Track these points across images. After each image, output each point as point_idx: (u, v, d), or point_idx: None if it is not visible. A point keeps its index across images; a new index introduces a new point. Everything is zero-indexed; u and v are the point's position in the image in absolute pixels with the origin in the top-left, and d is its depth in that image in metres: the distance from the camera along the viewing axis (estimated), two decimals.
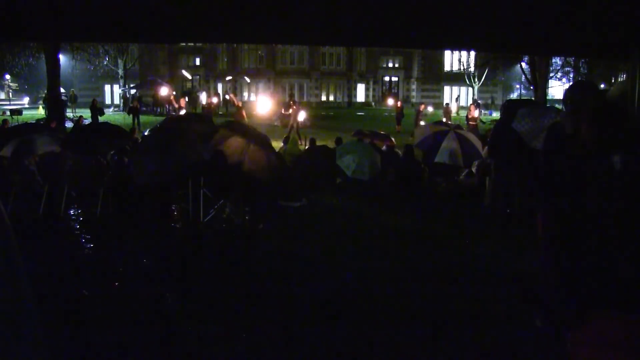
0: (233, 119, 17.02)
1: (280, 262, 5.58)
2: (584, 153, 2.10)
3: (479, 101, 28.88)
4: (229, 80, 42.60)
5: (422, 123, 20.29)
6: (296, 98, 27.39)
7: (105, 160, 8.41)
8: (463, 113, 26.70)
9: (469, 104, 29.29)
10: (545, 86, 24.10)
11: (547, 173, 3.56)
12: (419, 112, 23.06)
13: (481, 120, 21.92)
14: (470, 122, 18.21)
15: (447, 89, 46.69)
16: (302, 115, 17.45)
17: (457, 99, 39.70)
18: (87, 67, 35.91)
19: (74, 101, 31.62)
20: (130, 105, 25.44)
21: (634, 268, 1.89)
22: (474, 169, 9.27)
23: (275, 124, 20.70)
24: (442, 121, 13.66)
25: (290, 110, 18.16)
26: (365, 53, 45.61)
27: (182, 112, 29.75)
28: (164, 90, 30.84)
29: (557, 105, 7.63)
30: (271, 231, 6.81)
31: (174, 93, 36.38)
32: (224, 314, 4.18)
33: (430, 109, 26.75)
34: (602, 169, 2.00)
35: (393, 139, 11.76)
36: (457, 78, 43.84)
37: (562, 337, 2.15)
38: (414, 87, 47.32)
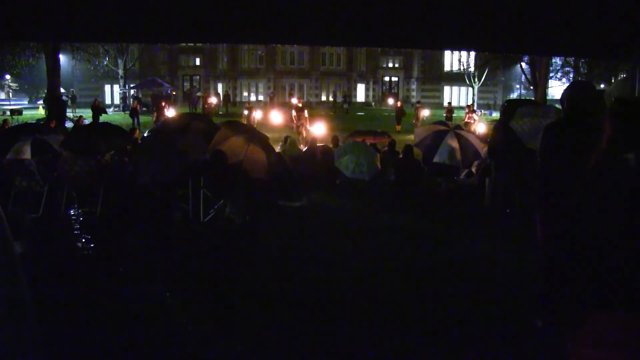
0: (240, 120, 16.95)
1: (280, 262, 5.58)
2: (598, 151, 2.08)
3: (475, 108, 28.86)
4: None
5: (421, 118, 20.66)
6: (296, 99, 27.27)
7: (105, 160, 8.41)
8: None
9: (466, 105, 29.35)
10: (545, 86, 24.13)
11: (545, 173, 3.56)
12: (418, 109, 23.64)
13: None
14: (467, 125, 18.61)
15: (447, 89, 46.69)
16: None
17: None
18: (87, 67, 35.91)
19: (73, 101, 31.63)
20: (131, 107, 25.47)
21: (635, 267, 1.89)
22: (474, 169, 9.27)
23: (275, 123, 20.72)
24: (442, 121, 13.69)
25: (300, 114, 17.92)
26: (365, 53, 45.61)
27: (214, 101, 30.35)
28: (214, 99, 31.42)
29: (557, 105, 7.64)
30: (271, 231, 6.81)
31: (199, 93, 36.52)
32: (224, 314, 4.18)
33: (427, 112, 26.67)
34: (615, 166, 1.98)
35: (391, 136, 11.77)
36: (457, 78, 43.84)
37: (562, 337, 2.15)
38: (414, 87, 47.32)
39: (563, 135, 3.41)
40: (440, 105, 39.17)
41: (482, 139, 10.23)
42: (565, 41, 3.30)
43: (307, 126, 17.25)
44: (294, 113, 18.46)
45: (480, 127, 18.32)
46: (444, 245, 6.18)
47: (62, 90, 20.91)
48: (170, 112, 19.96)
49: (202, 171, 7.16)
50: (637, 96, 3.20)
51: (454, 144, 8.89)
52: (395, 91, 46.72)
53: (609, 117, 2.04)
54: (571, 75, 37.36)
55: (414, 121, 23.55)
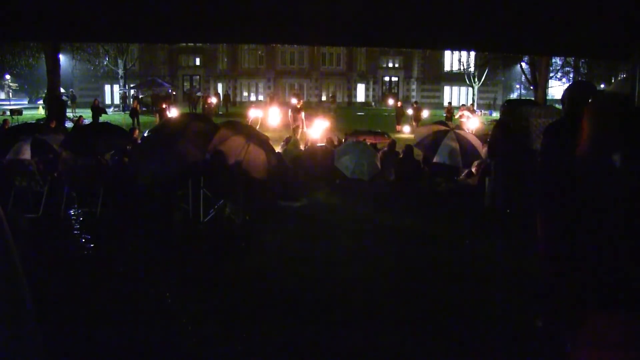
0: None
1: (280, 262, 5.58)
2: (586, 151, 2.08)
3: (475, 108, 29.00)
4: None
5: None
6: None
7: (105, 160, 8.41)
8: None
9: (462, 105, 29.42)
10: (545, 86, 24.11)
11: (545, 173, 3.56)
12: (415, 109, 23.70)
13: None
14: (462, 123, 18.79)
15: (447, 89, 46.68)
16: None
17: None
18: (87, 67, 35.92)
19: (73, 101, 31.62)
20: (131, 107, 25.47)
21: (635, 266, 1.89)
22: (474, 169, 9.28)
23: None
24: (442, 121, 13.72)
25: (298, 115, 17.76)
26: (365, 53, 45.61)
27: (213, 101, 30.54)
28: (214, 99, 31.47)
29: (557, 105, 7.65)
30: (271, 231, 6.81)
31: (199, 93, 36.58)
32: (224, 314, 4.18)
33: (426, 113, 26.70)
34: (603, 167, 1.98)
35: (391, 136, 11.73)
36: (457, 78, 43.84)
37: (562, 337, 2.15)
38: (414, 87, 47.31)
39: (563, 135, 3.41)
40: (440, 105, 39.15)
41: (482, 138, 10.23)
42: (565, 41, 3.30)
43: (304, 128, 17.17)
44: (290, 114, 18.35)
45: (471, 123, 18.26)
46: (444, 245, 6.18)
47: (62, 90, 20.89)
48: (171, 112, 19.92)
49: (202, 171, 7.15)
50: (614, 92, 3.19)
51: (454, 144, 8.88)
52: (395, 91, 46.70)
53: (587, 115, 2.02)
54: (571, 75, 37.40)
55: (412, 121, 23.59)
